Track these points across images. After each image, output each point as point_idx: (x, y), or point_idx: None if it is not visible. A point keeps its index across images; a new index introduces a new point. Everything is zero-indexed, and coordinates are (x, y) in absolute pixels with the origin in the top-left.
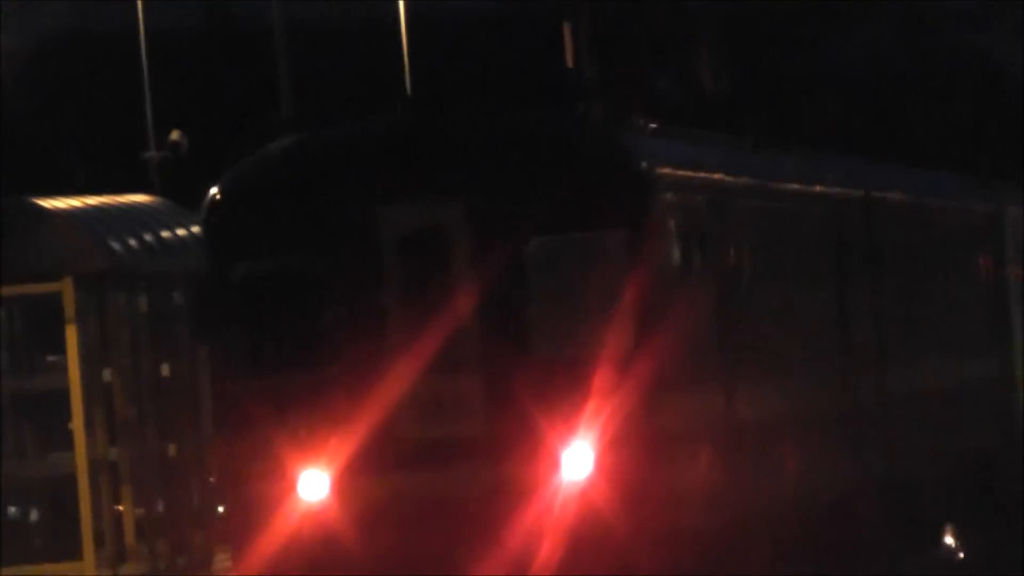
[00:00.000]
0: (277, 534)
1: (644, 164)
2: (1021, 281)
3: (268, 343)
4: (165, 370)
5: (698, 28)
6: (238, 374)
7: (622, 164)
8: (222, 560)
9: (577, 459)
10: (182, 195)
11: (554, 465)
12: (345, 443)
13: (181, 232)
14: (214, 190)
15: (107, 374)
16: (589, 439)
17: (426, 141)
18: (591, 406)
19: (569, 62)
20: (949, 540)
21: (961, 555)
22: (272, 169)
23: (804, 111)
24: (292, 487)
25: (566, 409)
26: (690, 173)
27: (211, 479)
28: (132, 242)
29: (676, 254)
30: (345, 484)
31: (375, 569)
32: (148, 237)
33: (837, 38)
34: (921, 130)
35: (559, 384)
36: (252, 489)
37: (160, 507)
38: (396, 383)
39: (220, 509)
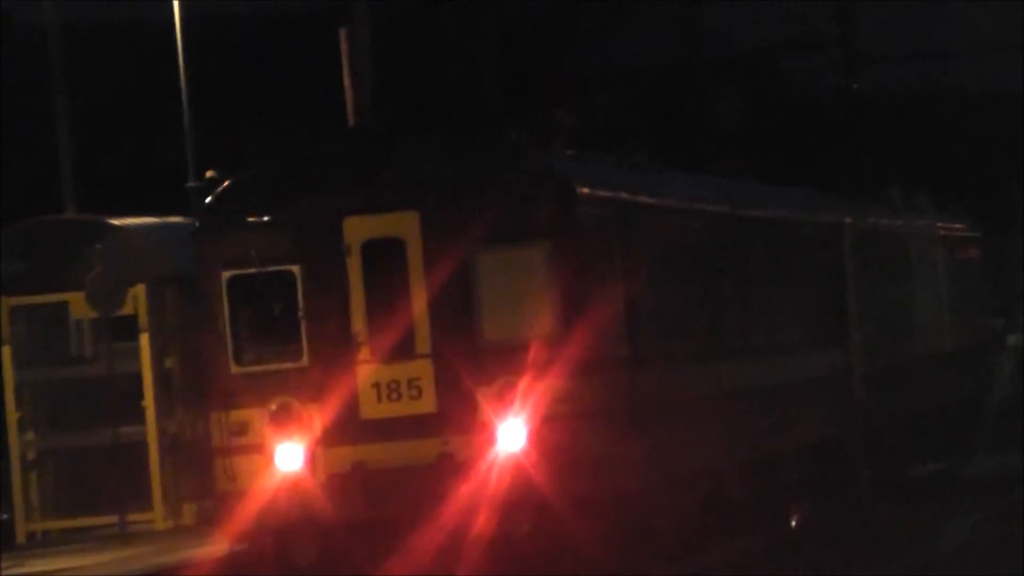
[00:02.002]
0: (259, 498)
1: (567, 185)
2: (856, 283)
3: (250, 336)
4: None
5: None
6: (225, 362)
7: (550, 185)
8: None
9: (513, 433)
10: None
11: (493, 439)
12: (317, 421)
13: None
14: (202, 208)
15: (169, 362)
16: (523, 416)
17: (385, 162)
18: (525, 388)
19: (345, 69)
20: (796, 514)
21: (800, 524)
22: (250, 187)
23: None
24: (271, 459)
25: (504, 391)
26: (601, 192)
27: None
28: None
29: (592, 259)
30: (316, 456)
31: (345, 530)
32: None
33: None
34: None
35: (498, 369)
36: (237, 460)
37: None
38: (359, 369)
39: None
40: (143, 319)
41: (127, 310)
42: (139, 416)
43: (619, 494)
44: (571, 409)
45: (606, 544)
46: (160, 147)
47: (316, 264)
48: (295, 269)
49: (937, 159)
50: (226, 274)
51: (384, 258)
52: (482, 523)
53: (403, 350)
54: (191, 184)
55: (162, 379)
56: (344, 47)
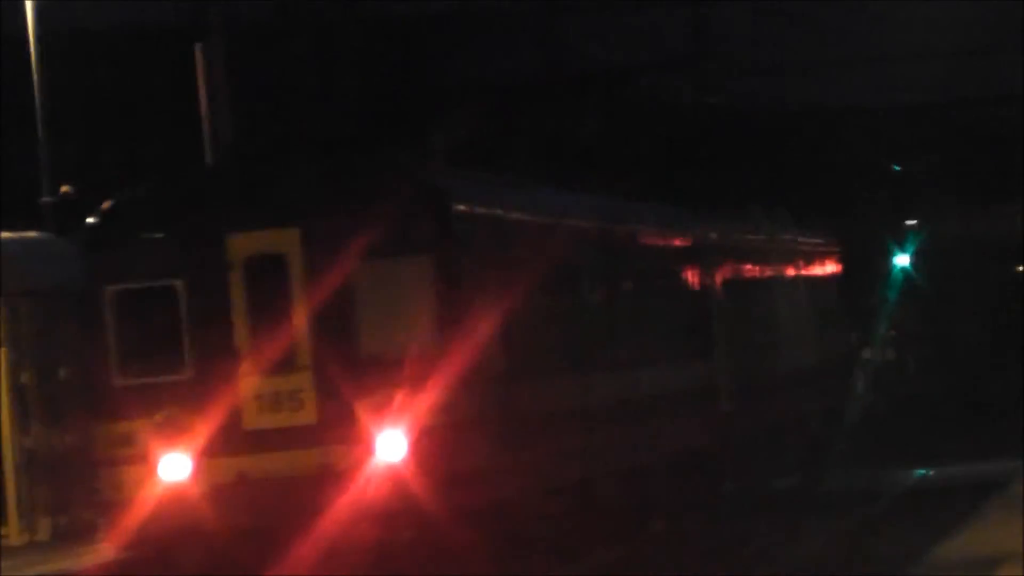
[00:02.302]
0: (144, 507)
1: (445, 201)
2: (721, 296)
3: (135, 349)
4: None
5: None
6: (110, 374)
7: (428, 201)
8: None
9: (392, 444)
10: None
11: (372, 449)
12: (201, 431)
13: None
14: (89, 223)
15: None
16: (402, 427)
17: (267, 179)
18: (403, 399)
19: (201, 83)
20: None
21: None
22: (134, 205)
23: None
24: (155, 469)
25: (384, 402)
26: (478, 208)
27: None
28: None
29: (469, 274)
30: (201, 466)
31: (228, 538)
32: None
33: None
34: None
35: (378, 381)
36: (122, 471)
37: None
38: (242, 381)
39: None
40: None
41: None
42: None
43: (495, 502)
44: (448, 420)
45: (483, 552)
46: (11, 160)
47: (200, 279)
48: (179, 284)
49: (796, 173)
50: (111, 288)
51: (266, 273)
52: (362, 532)
53: (284, 362)
54: (46, 199)
55: (18, 393)
56: (200, 61)
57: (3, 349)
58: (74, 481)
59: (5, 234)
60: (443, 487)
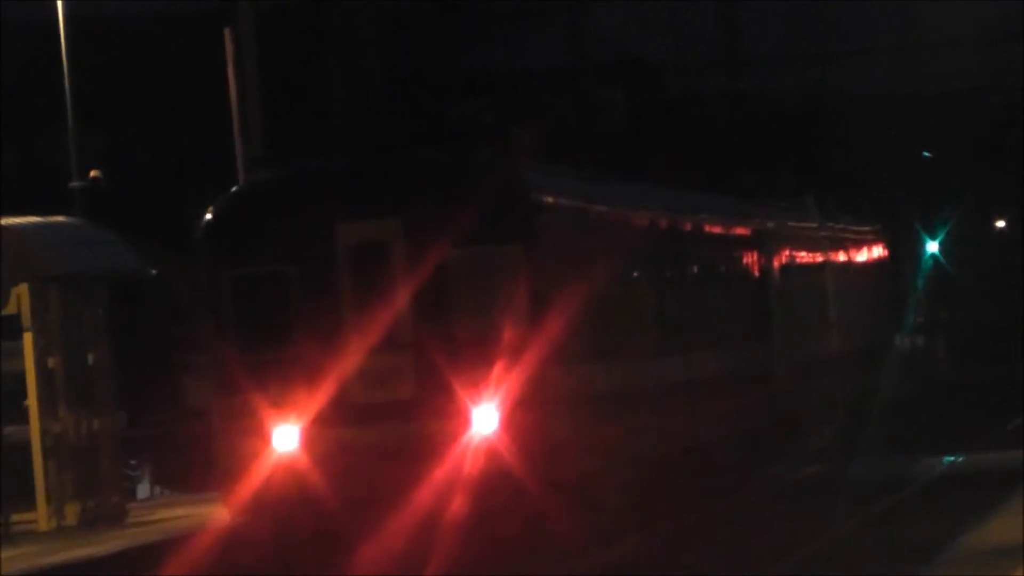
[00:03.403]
0: (257, 475)
1: (533, 195)
2: (779, 282)
3: (251, 330)
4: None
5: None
6: (229, 352)
7: (517, 195)
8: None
9: (486, 418)
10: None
11: (468, 422)
12: (310, 405)
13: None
14: (208, 215)
15: (52, 362)
16: (495, 402)
17: (372, 174)
18: (497, 377)
19: (231, 68)
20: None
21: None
22: (251, 197)
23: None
24: (269, 438)
25: (478, 379)
26: (562, 200)
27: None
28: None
29: (556, 260)
30: (310, 437)
31: (335, 503)
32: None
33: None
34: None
35: (473, 360)
36: (239, 441)
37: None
38: (349, 359)
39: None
40: (26, 318)
41: (10, 310)
42: (23, 416)
43: (577, 473)
44: (536, 396)
45: (569, 517)
46: (40, 147)
47: (310, 265)
48: (292, 270)
49: (828, 160)
50: (230, 274)
51: (371, 260)
52: (458, 499)
53: (387, 342)
54: (75, 184)
55: (45, 378)
56: (229, 46)
57: (29, 334)
58: (101, 466)
59: (32, 219)
60: (532, 458)
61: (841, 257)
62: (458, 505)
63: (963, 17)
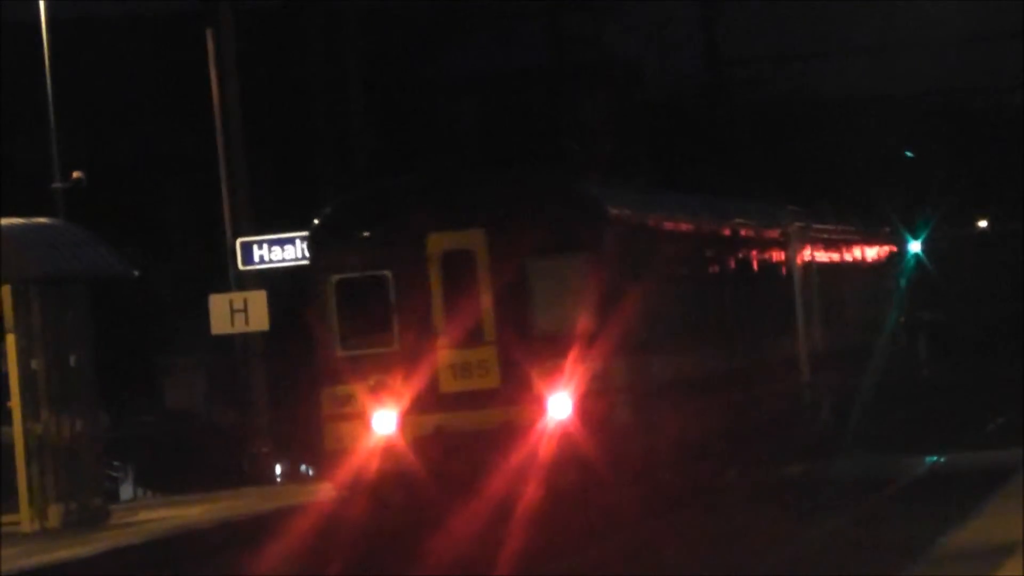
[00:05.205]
0: (359, 456)
1: (603, 208)
2: (801, 280)
3: (353, 327)
4: (72, 360)
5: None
6: (334, 347)
7: (589, 208)
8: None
9: (561, 405)
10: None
11: (545, 409)
12: (406, 394)
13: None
14: (315, 222)
15: (34, 363)
16: (569, 391)
17: (459, 189)
18: (570, 368)
19: (212, 69)
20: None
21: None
22: (352, 209)
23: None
24: (369, 424)
25: (554, 371)
26: (628, 212)
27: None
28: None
29: (621, 268)
30: (405, 422)
31: (427, 481)
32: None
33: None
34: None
35: (549, 354)
36: (342, 426)
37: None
38: (439, 353)
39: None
40: (9, 320)
41: None
42: (6, 418)
43: (635, 454)
44: (605, 386)
45: (629, 491)
46: (22, 148)
47: (405, 270)
48: (388, 274)
49: (811, 162)
50: (334, 277)
51: (458, 265)
52: (536, 477)
53: (473, 338)
54: (57, 185)
55: (28, 380)
56: (211, 47)
57: (11, 336)
58: (84, 468)
59: (14, 220)
60: (600, 441)
61: (855, 257)
62: (536, 482)
63: (943, 19)
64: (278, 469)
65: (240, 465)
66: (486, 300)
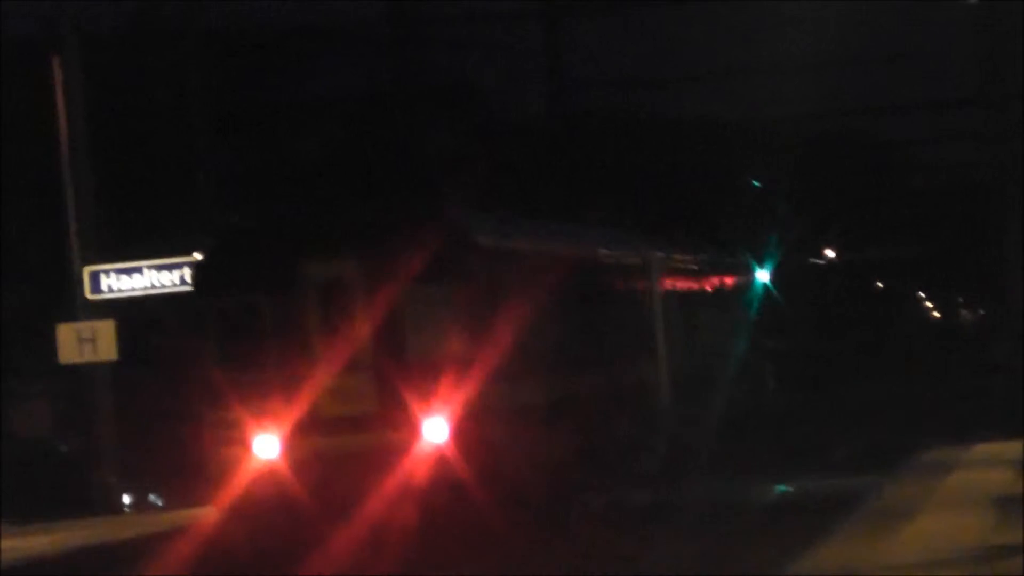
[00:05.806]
0: (242, 480)
1: (472, 236)
2: (661, 307)
3: (235, 353)
4: None
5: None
6: (215, 372)
7: (459, 236)
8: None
9: (436, 428)
10: None
11: (420, 432)
12: (287, 419)
13: None
14: (198, 255)
15: None
16: (444, 415)
17: (333, 218)
18: (445, 393)
19: (59, 95)
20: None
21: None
22: (233, 239)
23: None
24: (250, 448)
25: (429, 395)
26: (495, 240)
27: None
28: None
29: (489, 294)
30: (286, 445)
31: (307, 503)
32: None
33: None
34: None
35: (424, 379)
36: (225, 449)
37: None
38: (318, 378)
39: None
40: None
41: None
42: None
43: (502, 472)
44: (475, 409)
45: (499, 505)
46: None
47: (284, 298)
48: (268, 301)
49: (654, 186)
50: (217, 305)
51: (334, 294)
52: (413, 498)
53: (350, 364)
54: None
55: None
56: (57, 73)
57: None
58: None
59: None
60: (472, 462)
61: (710, 284)
62: (412, 503)
63: (799, 43)
64: (126, 499)
65: (86, 494)
66: (362, 327)
